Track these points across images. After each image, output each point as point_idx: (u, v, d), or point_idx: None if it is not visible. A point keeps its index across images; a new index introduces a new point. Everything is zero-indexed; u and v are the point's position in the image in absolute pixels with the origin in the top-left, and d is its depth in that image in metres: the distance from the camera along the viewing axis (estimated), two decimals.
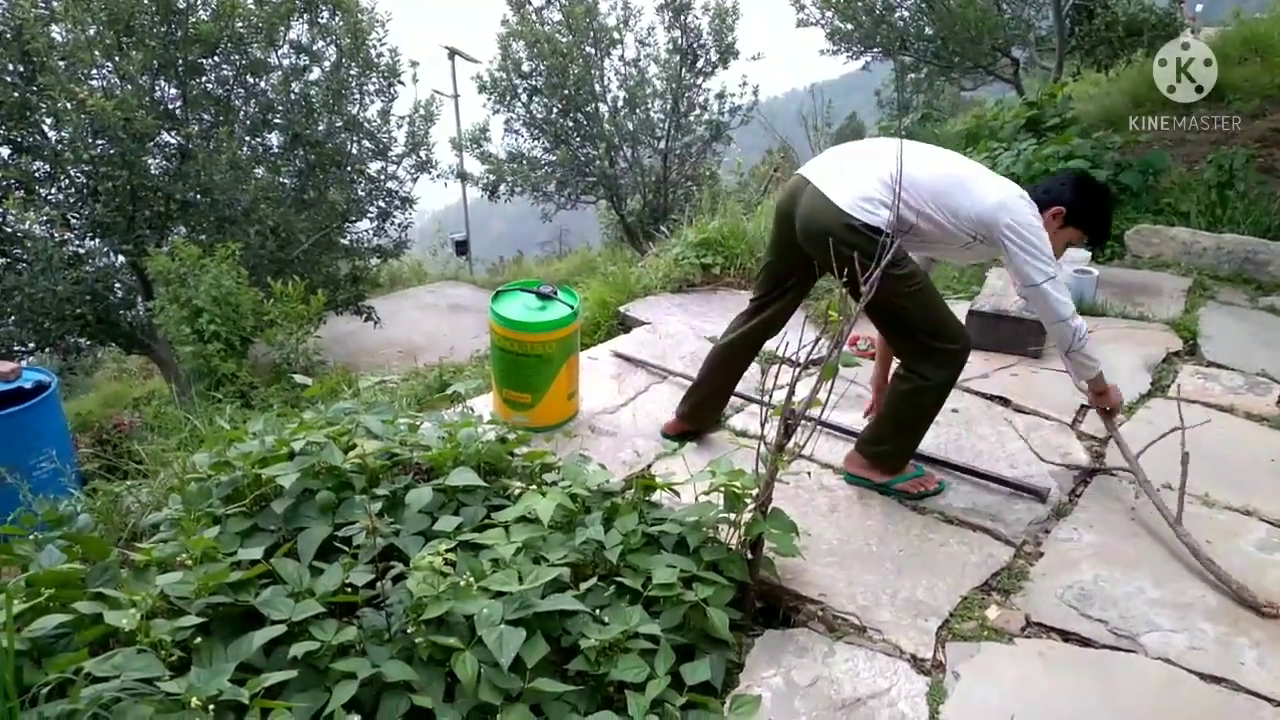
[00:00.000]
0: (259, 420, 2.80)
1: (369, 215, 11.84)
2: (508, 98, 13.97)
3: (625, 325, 4.85)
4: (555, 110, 14.05)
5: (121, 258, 9.63)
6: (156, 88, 9.69)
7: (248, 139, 10.55)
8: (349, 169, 11.35)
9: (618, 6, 13.87)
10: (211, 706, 1.66)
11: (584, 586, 2.18)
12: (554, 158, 14.24)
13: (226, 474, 2.49)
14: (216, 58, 10.06)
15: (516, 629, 1.92)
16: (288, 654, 1.85)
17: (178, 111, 9.85)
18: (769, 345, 3.30)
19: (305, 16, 10.77)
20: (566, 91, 13.53)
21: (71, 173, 9.18)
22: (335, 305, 10.43)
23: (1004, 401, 3.74)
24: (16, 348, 8.85)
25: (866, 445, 3.05)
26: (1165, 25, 9.54)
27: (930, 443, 3.30)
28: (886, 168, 2.71)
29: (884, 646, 2.35)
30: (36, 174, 9.14)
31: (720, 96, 14.50)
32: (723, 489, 2.40)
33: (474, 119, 15.07)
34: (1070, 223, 2.91)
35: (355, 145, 11.42)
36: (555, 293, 3.52)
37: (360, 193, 11.60)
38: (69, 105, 8.38)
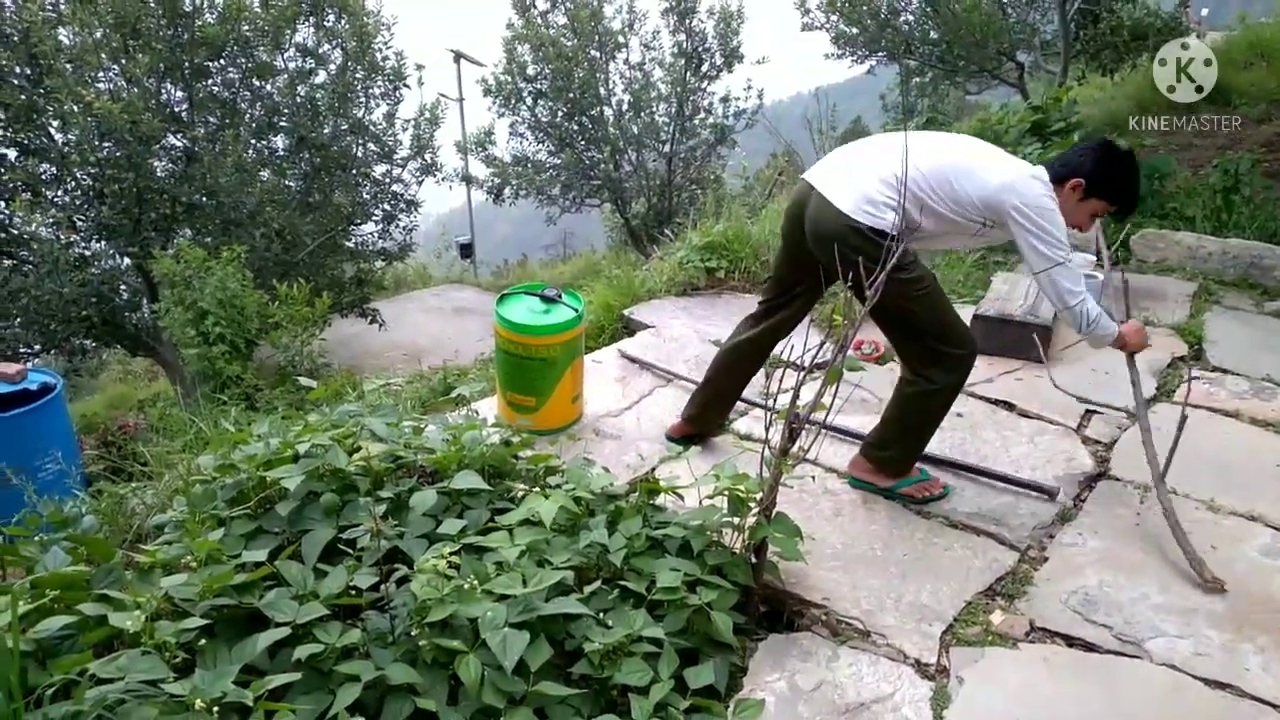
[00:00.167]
0: (264, 423, 2.81)
1: (374, 218, 11.87)
2: (513, 101, 14.00)
3: (630, 329, 4.85)
4: (560, 113, 14.07)
5: (127, 260, 9.65)
6: (163, 90, 9.73)
7: (253, 142, 10.58)
8: (354, 172, 11.38)
9: (623, 10, 13.90)
10: (216, 708, 1.66)
11: (588, 590, 2.18)
12: (559, 161, 14.26)
13: (231, 476, 2.50)
14: (223, 61, 10.10)
15: (520, 632, 1.92)
16: (292, 656, 1.86)
17: (184, 114, 9.89)
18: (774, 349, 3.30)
19: (311, 20, 10.81)
20: (571, 95, 13.55)
21: (78, 175, 9.22)
22: (340, 308, 10.44)
23: (1008, 406, 3.73)
24: (22, 349, 8.88)
25: (871, 450, 3.04)
26: (1171, 29, 9.51)
27: (934, 447, 3.30)
28: (889, 166, 2.67)
29: (888, 651, 2.34)
30: (43, 176, 9.19)
31: (725, 100, 14.52)
32: (727, 493, 2.40)
33: (479, 122, 15.14)
34: (1091, 194, 2.76)
35: (360, 148, 11.46)
36: (560, 296, 3.52)
37: (365, 196, 11.63)
38: (76, 108, 8.42)
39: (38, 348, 9.17)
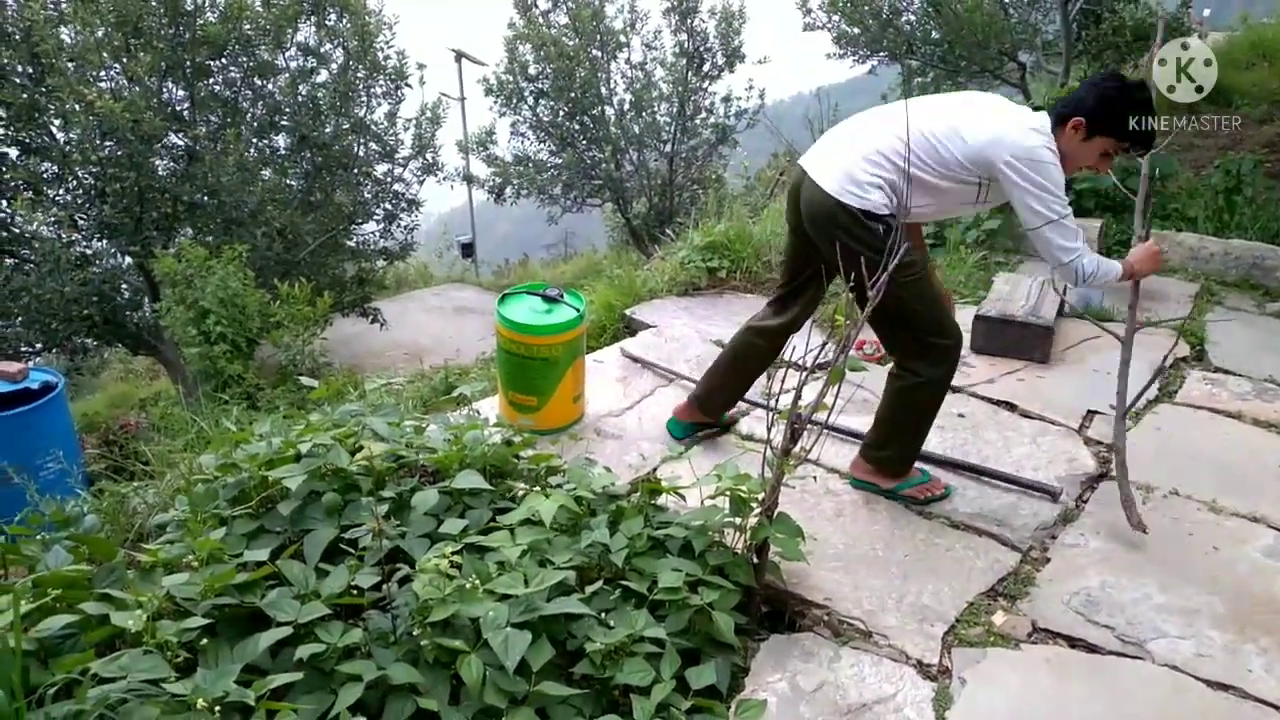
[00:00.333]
0: (265, 422, 2.81)
1: (375, 217, 11.87)
2: (514, 100, 14.00)
3: (631, 328, 4.85)
4: (561, 113, 14.07)
5: (128, 259, 9.65)
6: (164, 89, 9.73)
7: (255, 141, 10.59)
8: (356, 171, 11.38)
9: (624, 10, 13.91)
10: (217, 708, 1.66)
11: (589, 590, 2.18)
12: (560, 160, 14.26)
13: (233, 475, 2.50)
14: (224, 60, 10.11)
15: (522, 632, 1.92)
16: (293, 656, 1.86)
17: (185, 113, 9.90)
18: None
19: (313, 19, 10.82)
20: (573, 94, 13.55)
21: (79, 174, 9.22)
22: (341, 307, 10.45)
23: (1010, 407, 3.73)
24: (24, 348, 8.88)
25: (869, 450, 3.03)
26: (1173, 30, 9.50)
27: (936, 447, 3.30)
28: (871, 142, 2.60)
29: (890, 652, 2.34)
30: (45, 175, 9.19)
31: (726, 100, 14.52)
32: (729, 493, 2.40)
33: (480, 122, 15.08)
34: (1095, 132, 2.58)
35: (362, 147, 11.46)
36: (561, 296, 3.52)
37: (367, 195, 11.64)
38: (77, 107, 8.43)
39: (39, 346, 9.17)
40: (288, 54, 10.79)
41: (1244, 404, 3.72)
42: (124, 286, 9.62)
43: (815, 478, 3.10)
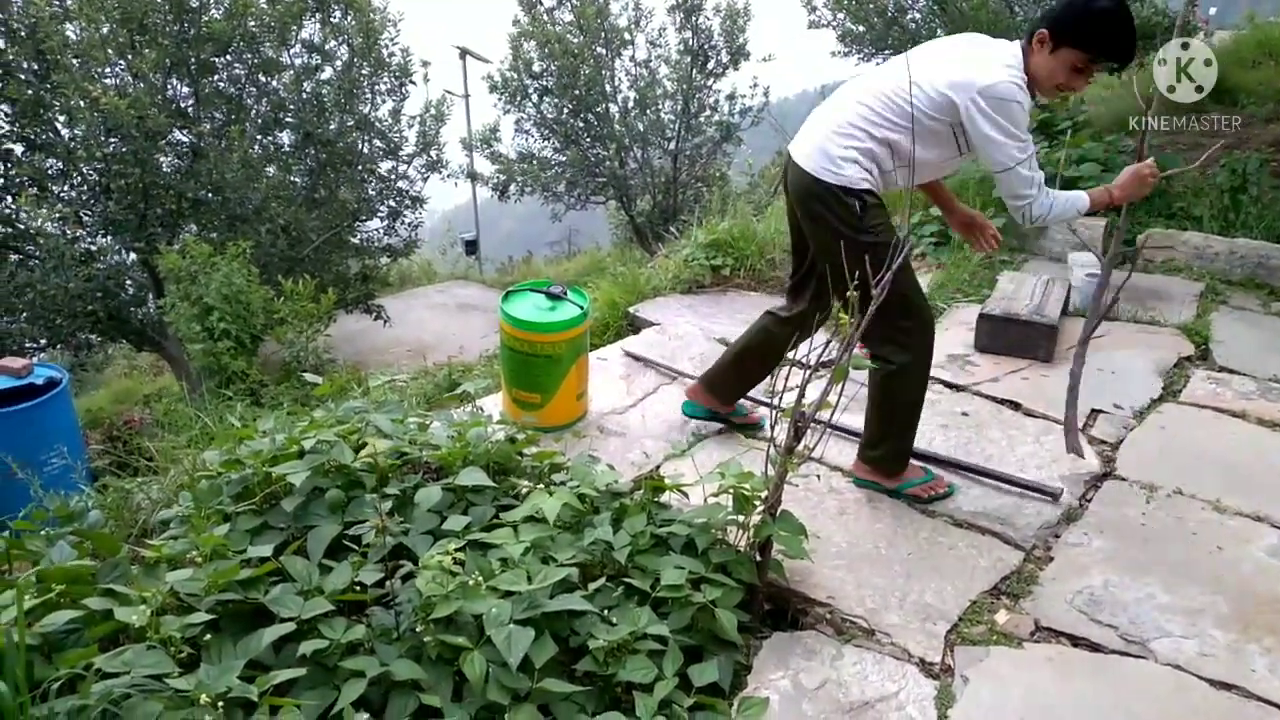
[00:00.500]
0: (269, 418, 2.81)
1: (379, 214, 11.90)
2: (518, 98, 14.01)
3: (635, 326, 4.85)
4: (566, 110, 14.08)
5: (133, 255, 9.69)
6: (169, 86, 9.76)
7: (259, 138, 10.61)
8: (360, 168, 11.40)
9: (629, 7, 13.92)
10: (220, 704, 1.67)
11: (592, 587, 2.18)
12: (564, 158, 14.28)
13: (237, 472, 2.50)
14: (229, 56, 10.12)
15: (525, 629, 1.92)
16: (297, 652, 1.86)
17: (190, 110, 9.92)
18: None
19: (317, 16, 10.84)
20: (577, 92, 13.55)
21: (84, 170, 9.25)
22: (345, 304, 10.47)
23: (1014, 405, 3.72)
24: (28, 344, 8.92)
25: (865, 451, 3.02)
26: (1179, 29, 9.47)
27: (939, 446, 3.30)
28: (841, 113, 2.57)
29: (892, 650, 2.34)
30: (49, 171, 9.22)
31: (731, 98, 14.52)
32: (732, 491, 2.39)
33: (485, 119, 15.07)
34: (1062, 44, 2.46)
35: (366, 144, 11.48)
36: (565, 293, 3.52)
37: (371, 192, 11.65)
38: (82, 103, 8.45)
39: (43, 342, 9.21)
40: (292, 51, 10.80)
41: (1248, 403, 3.71)
42: (128, 283, 9.65)
43: (819, 476, 3.10)
